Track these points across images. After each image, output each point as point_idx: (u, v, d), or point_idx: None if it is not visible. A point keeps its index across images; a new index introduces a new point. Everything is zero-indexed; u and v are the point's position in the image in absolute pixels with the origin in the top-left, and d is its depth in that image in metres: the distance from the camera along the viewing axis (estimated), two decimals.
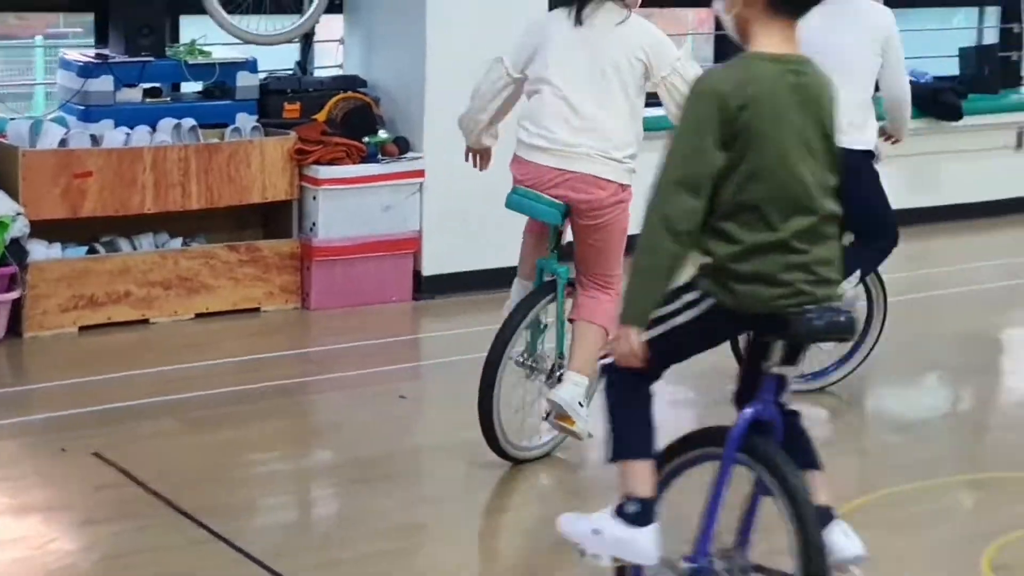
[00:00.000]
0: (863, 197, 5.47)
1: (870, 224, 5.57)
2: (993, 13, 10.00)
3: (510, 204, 4.94)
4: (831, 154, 3.45)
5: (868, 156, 5.65)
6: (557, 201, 4.82)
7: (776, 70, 3.37)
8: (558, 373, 5.00)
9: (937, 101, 9.00)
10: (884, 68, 5.65)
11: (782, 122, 3.35)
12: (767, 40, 3.38)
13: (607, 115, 4.83)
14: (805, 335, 3.37)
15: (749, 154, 3.33)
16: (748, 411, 3.44)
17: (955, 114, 9.05)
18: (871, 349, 6.01)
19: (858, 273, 5.59)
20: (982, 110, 9.26)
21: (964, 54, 9.59)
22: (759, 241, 3.35)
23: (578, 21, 4.84)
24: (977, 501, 5.03)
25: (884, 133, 5.83)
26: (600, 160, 4.81)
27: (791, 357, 3.43)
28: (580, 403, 4.85)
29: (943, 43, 9.77)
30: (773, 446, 3.43)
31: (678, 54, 4.91)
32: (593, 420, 4.67)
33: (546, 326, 5.05)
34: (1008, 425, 5.96)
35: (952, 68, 9.56)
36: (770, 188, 3.34)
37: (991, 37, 9.98)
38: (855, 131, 5.33)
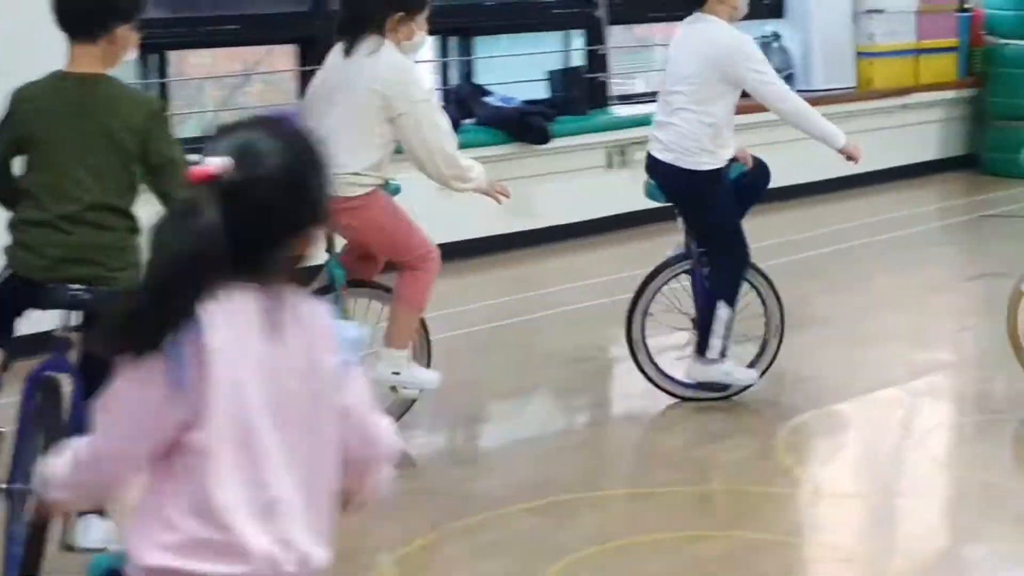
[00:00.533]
0: (709, 215, 5.97)
1: (718, 239, 5.96)
2: (579, 36, 10.21)
3: None
4: (122, 154, 4.07)
5: (716, 176, 5.92)
6: None
7: (57, 84, 4.13)
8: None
9: (525, 125, 9.10)
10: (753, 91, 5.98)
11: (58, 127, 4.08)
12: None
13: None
14: (50, 304, 4.07)
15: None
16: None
17: (543, 137, 9.16)
18: (777, 349, 6.23)
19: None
20: (571, 132, 9.41)
21: (552, 77, 9.75)
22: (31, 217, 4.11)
23: (346, 52, 5.40)
24: (539, 526, 5.02)
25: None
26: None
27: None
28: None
29: (532, 68, 9.92)
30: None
31: (424, 95, 5.41)
32: None
33: None
34: (576, 446, 6.08)
35: (543, 92, 9.70)
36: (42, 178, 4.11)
37: (578, 60, 10.18)
38: (701, 154, 5.86)
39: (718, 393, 6.20)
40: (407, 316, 5.49)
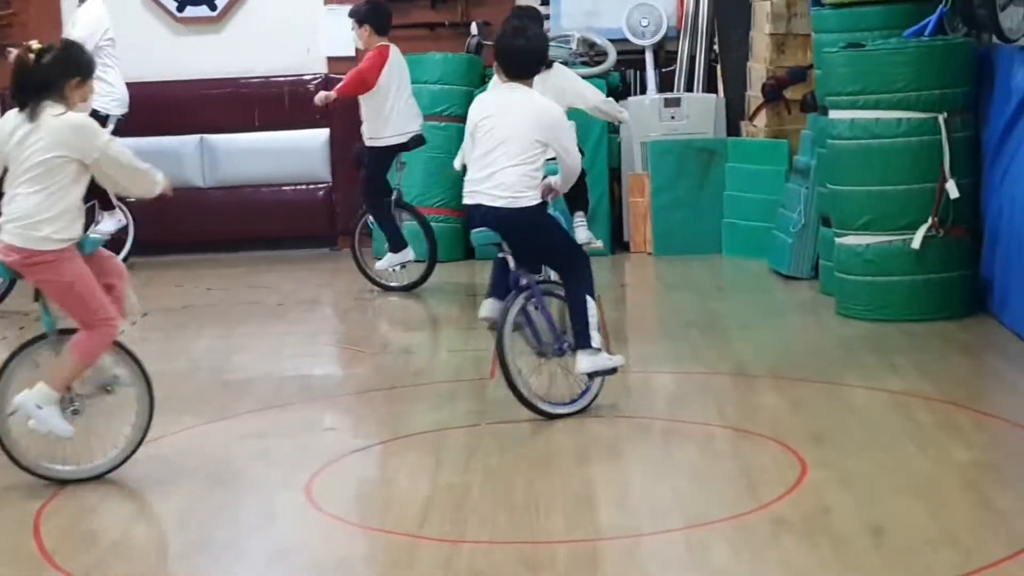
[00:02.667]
0: (547, 242, 6.73)
1: (563, 259, 6.73)
2: None
3: None
4: None
5: (541, 209, 6.67)
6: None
7: None
8: None
9: None
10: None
11: None
12: None
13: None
14: None
15: None
16: None
17: None
18: None
19: None
20: None
21: None
22: None
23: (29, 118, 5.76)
24: None
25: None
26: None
27: None
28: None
29: None
30: None
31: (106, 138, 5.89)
32: None
33: None
34: None
35: None
36: None
37: None
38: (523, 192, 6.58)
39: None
40: (76, 366, 5.96)
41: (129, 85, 11.78)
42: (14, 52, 6.48)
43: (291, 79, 12.11)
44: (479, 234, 6.68)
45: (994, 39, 8.21)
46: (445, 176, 10.45)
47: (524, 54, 6.73)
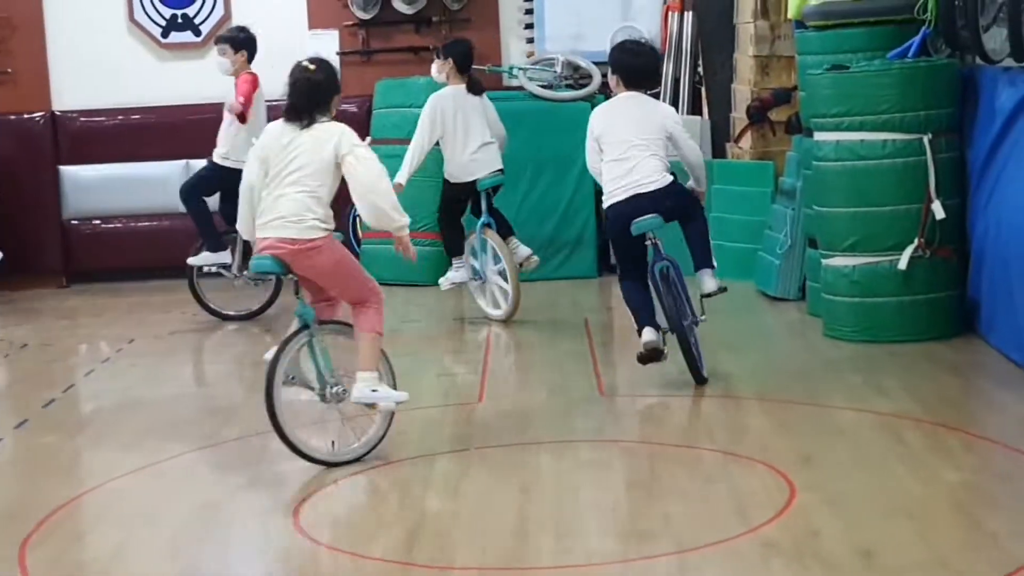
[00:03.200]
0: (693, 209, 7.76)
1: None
2: None
3: None
4: None
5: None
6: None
7: None
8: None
9: None
10: None
11: None
12: None
13: None
14: None
15: None
16: None
17: None
18: None
19: None
20: None
21: None
22: None
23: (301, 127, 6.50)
24: None
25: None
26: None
27: None
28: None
29: None
30: None
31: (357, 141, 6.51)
32: None
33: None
34: None
35: None
36: None
37: None
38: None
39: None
40: (373, 341, 6.48)
41: (114, 110, 11.77)
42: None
43: (275, 104, 12.06)
44: (645, 222, 7.40)
45: (978, 60, 8.23)
46: (428, 201, 10.43)
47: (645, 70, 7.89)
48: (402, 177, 9.16)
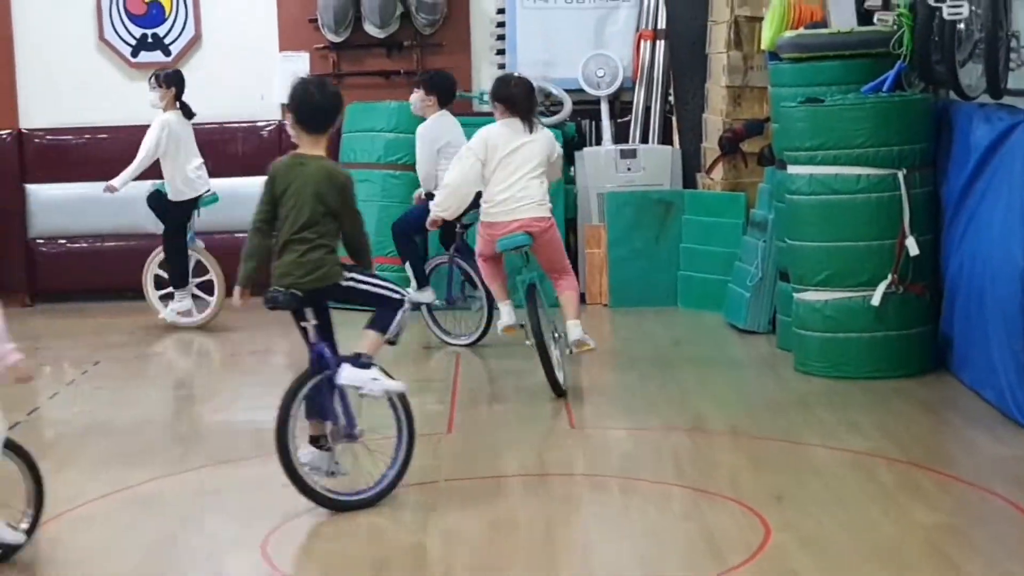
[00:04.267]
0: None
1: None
2: None
3: None
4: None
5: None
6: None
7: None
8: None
9: None
10: None
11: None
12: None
13: None
14: None
15: None
16: None
17: None
18: None
19: None
20: None
21: None
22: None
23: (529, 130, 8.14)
24: None
25: None
26: None
27: None
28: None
29: None
30: None
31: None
32: None
33: None
34: None
35: None
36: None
37: None
38: None
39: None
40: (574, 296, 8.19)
41: (82, 129, 11.66)
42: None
43: (245, 126, 12.02)
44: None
45: (952, 95, 8.24)
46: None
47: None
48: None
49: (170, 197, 10.49)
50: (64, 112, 12.02)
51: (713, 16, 10.90)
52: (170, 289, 10.64)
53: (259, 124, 12.03)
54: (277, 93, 11.97)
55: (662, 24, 11.73)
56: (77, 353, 10.00)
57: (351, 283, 6.22)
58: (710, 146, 10.89)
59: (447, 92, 9.74)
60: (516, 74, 9.20)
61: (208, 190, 10.56)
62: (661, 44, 11.73)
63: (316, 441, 6.31)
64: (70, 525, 6.14)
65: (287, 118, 6.37)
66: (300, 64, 11.99)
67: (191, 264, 10.67)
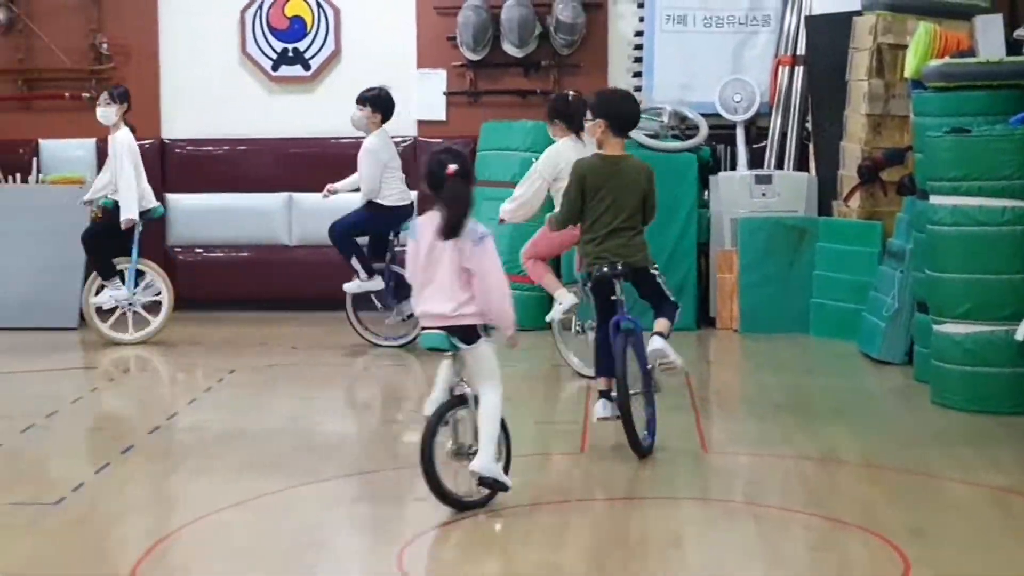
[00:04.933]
0: None
1: None
2: None
3: None
4: None
5: None
6: None
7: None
8: None
9: None
10: None
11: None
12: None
13: None
14: None
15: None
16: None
17: None
18: None
19: None
20: None
21: None
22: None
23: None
24: None
25: None
26: None
27: None
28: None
29: None
30: None
31: None
32: None
33: None
34: None
35: None
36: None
37: None
38: None
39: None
40: None
41: (222, 140, 11.88)
42: None
43: (399, 141, 12.14)
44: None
45: None
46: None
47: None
48: None
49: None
50: (205, 123, 12.24)
51: (855, 43, 10.80)
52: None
53: (395, 140, 12.14)
54: (414, 110, 12.09)
55: (801, 50, 11.66)
56: (212, 361, 10.16)
57: (655, 272, 7.42)
58: (847, 174, 10.79)
59: (390, 110, 10.44)
60: (571, 93, 9.66)
61: (157, 204, 10.63)
62: (800, 70, 11.66)
63: (606, 395, 7.42)
64: (207, 530, 6.23)
65: (592, 124, 7.48)
66: (437, 82, 12.10)
67: (135, 274, 10.63)
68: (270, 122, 12.18)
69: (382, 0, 12.30)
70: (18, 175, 12.04)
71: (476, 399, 6.31)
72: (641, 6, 12.08)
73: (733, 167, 11.73)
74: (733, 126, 11.70)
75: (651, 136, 11.52)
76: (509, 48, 12.09)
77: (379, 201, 10.38)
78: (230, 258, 12.14)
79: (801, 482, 6.99)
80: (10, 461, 7.45)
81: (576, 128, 9.03)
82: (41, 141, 12.23)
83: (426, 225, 6.24)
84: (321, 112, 12.18)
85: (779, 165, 11.63)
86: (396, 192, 10.46)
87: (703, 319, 11.20)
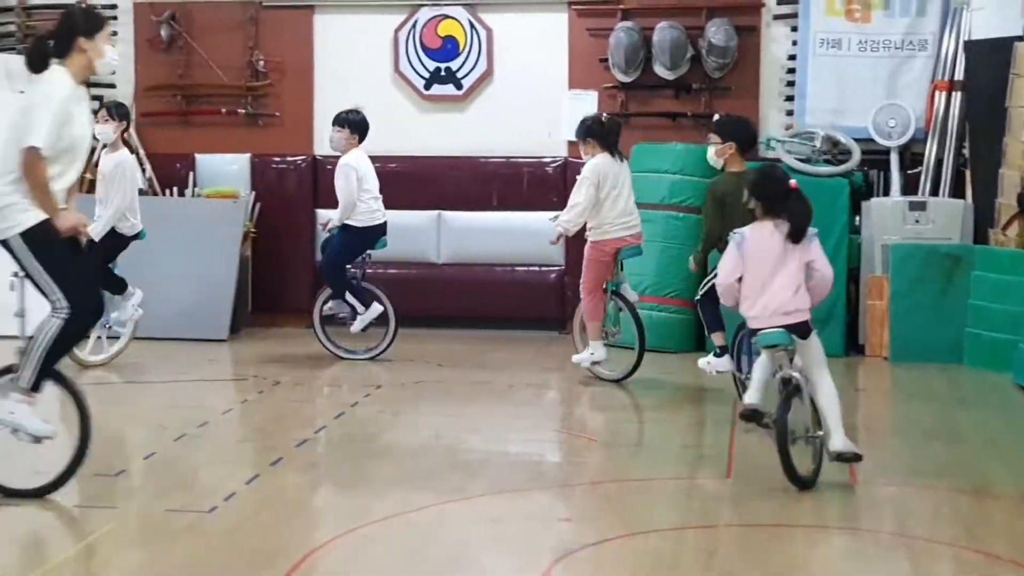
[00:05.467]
0: None
1: None
2: None
3: None
4: None
5: None
6: None
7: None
8: None
9: None
10: None
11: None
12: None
13: None
14: None
15: None
16: None
17: None
18: None
19: None
20: None
21: None
22: None
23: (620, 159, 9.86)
24: None
25: None
26: None
27: None
28: None
29: None
30: None
31: None
32: None
33: None
34: None
35: None
36: None
37: None
38: None
39: None
40: None
41: (375, 158, 12.00)
42: None
43: (531, 160, 12.19)
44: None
45: None
46: (680, 267, 10.37)
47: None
48: None
49: (120, 229, 10.13)
50: None
51: (1016, 69, 10.60)
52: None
53: (545, 160, 12.18)
54: (564, 130, 12.10)
55: (959, 75, 11.47)
56: (358, 375, 10.26)
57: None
58: (1006, 202, 10.58)
59: (365, 132, 10.70)
60: (604, 114, 10.15)
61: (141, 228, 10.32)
62: (957, 96, 11.47)
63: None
64: (356, 543, 6.28)
65: (723, 147, 8.88)
66: (588, 103, 12.11)
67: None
68: (421, 140, 12.28)
69: (535, 21, 12.34)
70: (175, 188, 12.31)
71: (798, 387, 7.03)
72: (795, 30, 11.98)
73: (886, 193, 11.57)
74: (886, 152, 11.54)
75: (802, 160, 11.42)
76: (660, 70, 12.06)
77: (352, 223, 10.63)
78: (378, 275, 12.24)
79: (953, 514, 6.85)
80: (165, 469, 7.59)
81: (610, 147, 9.70)
82: (197, 156, 12.48)
83: (763, 234, 7.08)
84: (472, 131, 12.26)
85: (934, 192, 11.44)
86: (369, 211, 10.66)
87: (851, 346, 11.04)
